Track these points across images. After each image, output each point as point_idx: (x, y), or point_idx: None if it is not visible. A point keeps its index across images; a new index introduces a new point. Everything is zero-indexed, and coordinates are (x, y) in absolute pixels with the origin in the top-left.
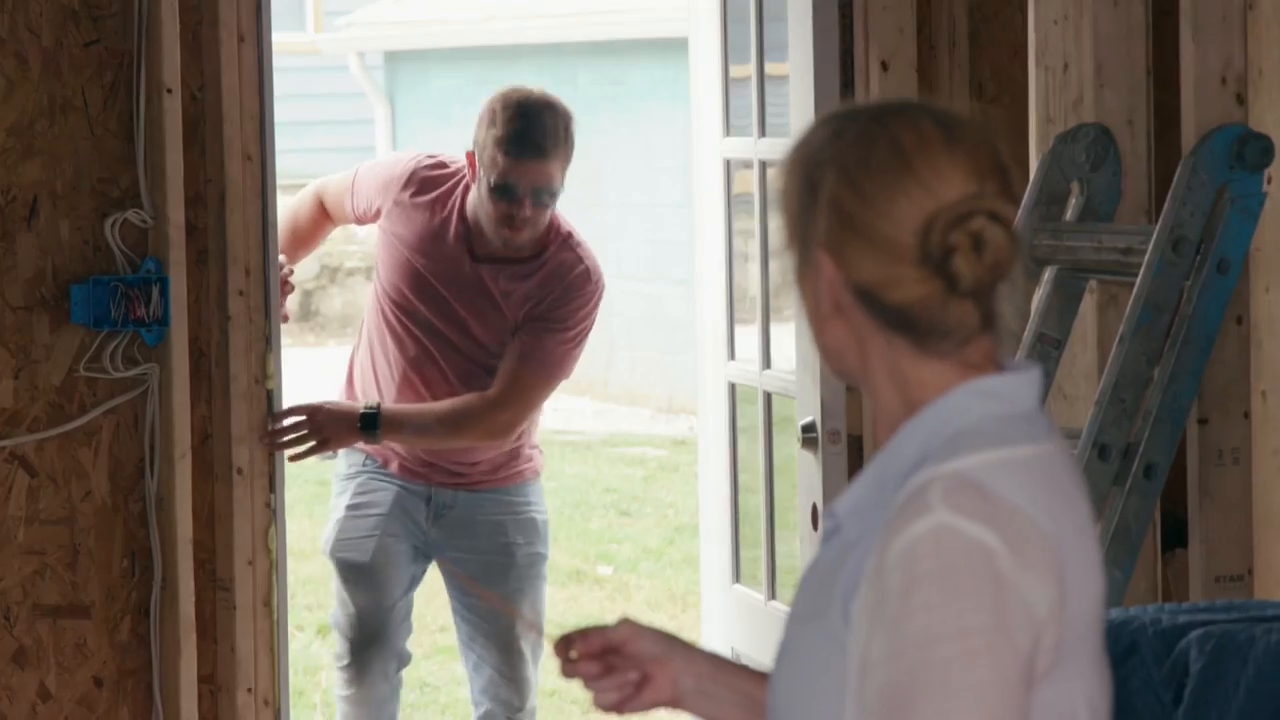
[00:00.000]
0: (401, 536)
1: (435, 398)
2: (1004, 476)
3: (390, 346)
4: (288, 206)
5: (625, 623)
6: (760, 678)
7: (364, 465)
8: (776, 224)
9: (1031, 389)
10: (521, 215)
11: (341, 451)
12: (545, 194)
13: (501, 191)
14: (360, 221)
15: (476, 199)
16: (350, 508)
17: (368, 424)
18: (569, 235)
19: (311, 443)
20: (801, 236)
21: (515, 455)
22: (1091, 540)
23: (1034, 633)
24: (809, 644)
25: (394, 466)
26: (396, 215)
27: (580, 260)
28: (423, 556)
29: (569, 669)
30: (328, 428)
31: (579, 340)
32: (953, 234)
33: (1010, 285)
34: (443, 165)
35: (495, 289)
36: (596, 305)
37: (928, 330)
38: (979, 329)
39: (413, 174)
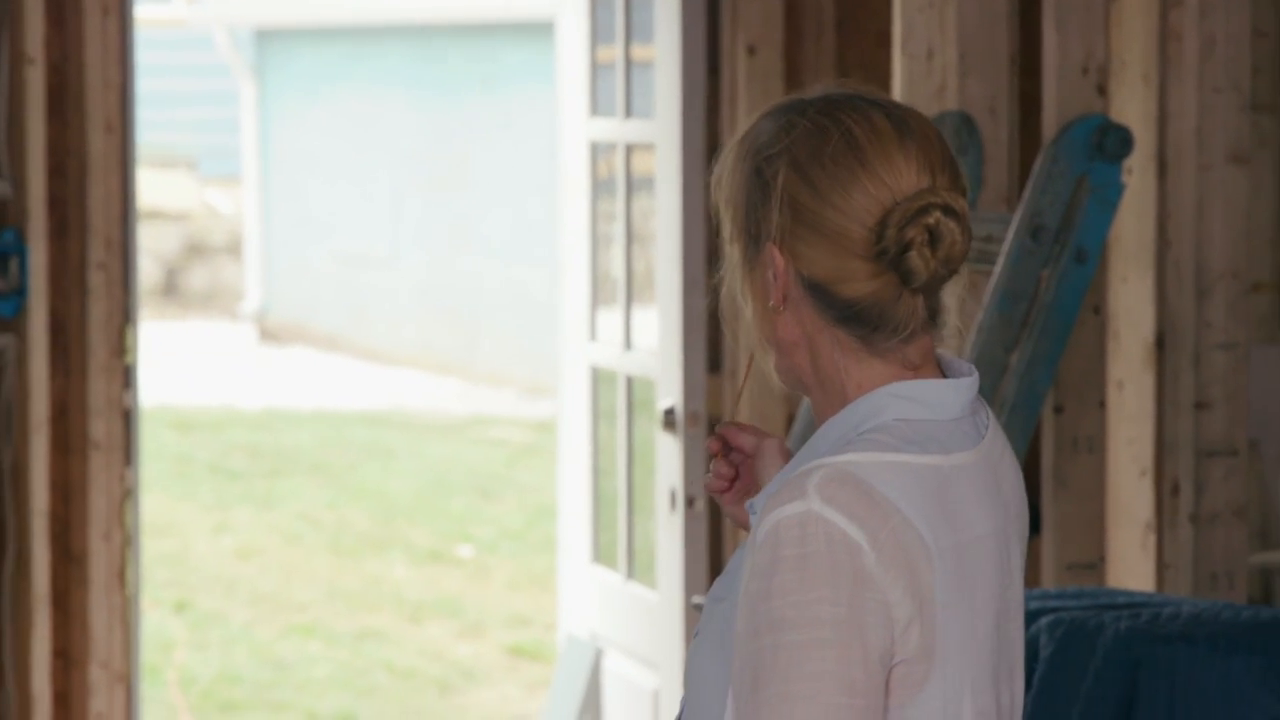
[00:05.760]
0: None
1: None
2: (889, 477)
3: None
4: None
5: (770, 440)
6: None
7: None
8: (723, 215)
9: (959, 397)
10: None
11: None
12: None
13: None
14: None
15: None
16: None
17: None
18: None
19: None
20: (750, 230)
21: None
22: (988, 558)
23: (890, 633)
24: (715, 623)
25: None
26: None
27: None
28: None
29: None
30: None
31: None
32: (908, 229)
33: (955, 279)
34: None
35: None
36: None
37: (878, 324)
38: (925, 324)
39: None
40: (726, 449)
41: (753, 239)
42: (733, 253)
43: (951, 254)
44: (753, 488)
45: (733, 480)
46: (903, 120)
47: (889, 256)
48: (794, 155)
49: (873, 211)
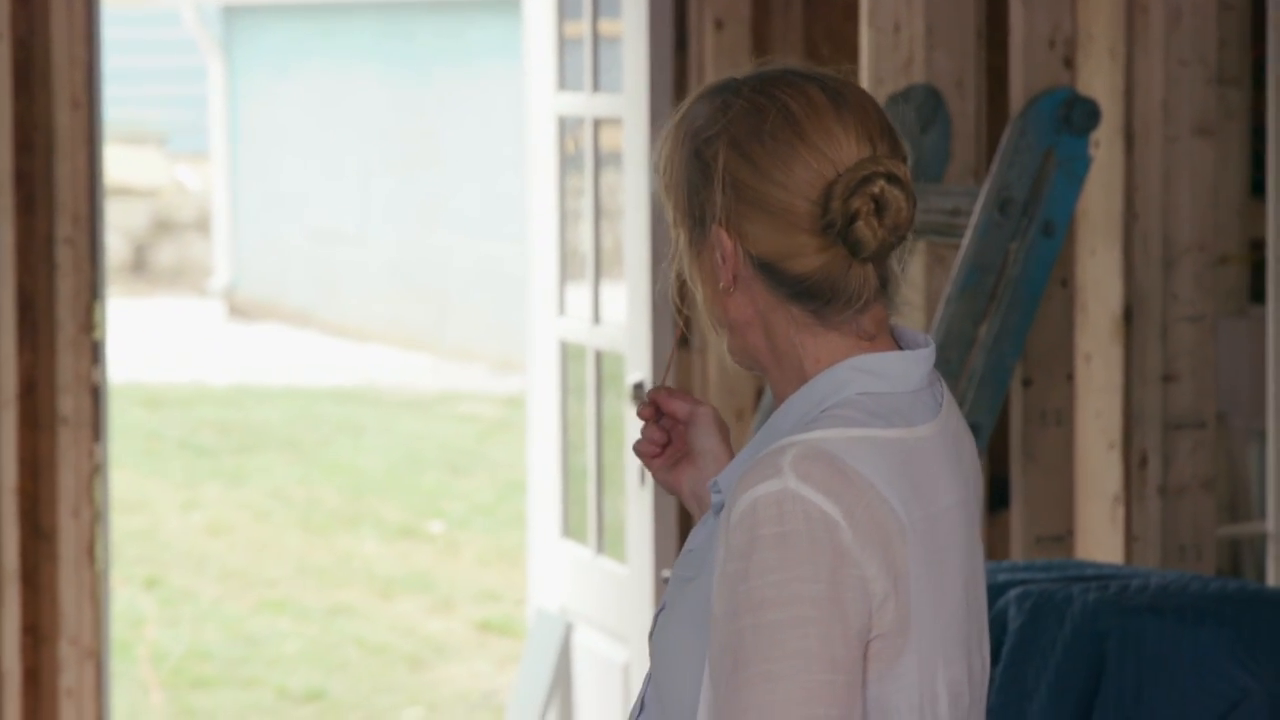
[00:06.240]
0: None
1: None
2: (860, 453)
3: None
4: None
5: (704, 408)
6: None
7: None
8: (667, 201)
9: (918, 368)
10: None
11: None
12: None
13: None
14: None
15: None
16: None
17: None
18: None
19: None
20: (695, 213)
21: None
22: (956, 529)
23: (868, 608)
24: (686, 603)
25: None
26: None
27: None
28: None
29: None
30: None
31: None
32: (853, 199)
33: (902, 247)
34: None
35: None
36: None
37: (830, 297)
38: (877, 293)
39: None
40: (658, 415)
41: (698, 222)
42: (679, 237)
43: (898, 221)
44: (684, 454)
45: (664, 446)
46: (838, 92)
47: (836, 229)
48: (732, 135)
49: (816, 185)
